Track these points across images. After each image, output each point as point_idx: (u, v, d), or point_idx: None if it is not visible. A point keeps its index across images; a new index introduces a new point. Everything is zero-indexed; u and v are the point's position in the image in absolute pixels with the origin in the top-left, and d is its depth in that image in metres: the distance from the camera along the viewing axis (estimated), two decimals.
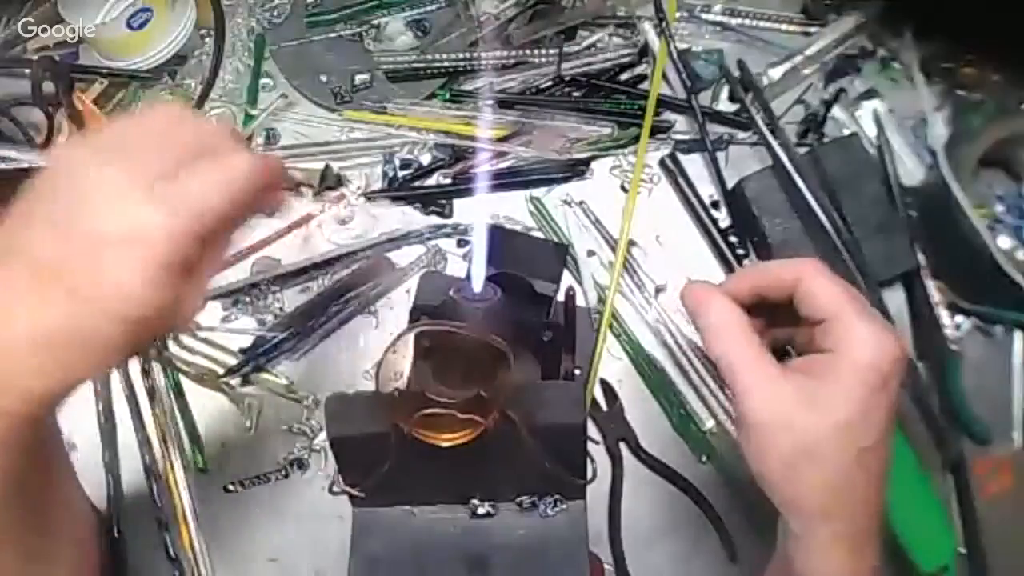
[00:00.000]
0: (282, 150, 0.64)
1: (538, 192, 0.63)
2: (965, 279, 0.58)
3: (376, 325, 0.60)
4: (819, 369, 0.34)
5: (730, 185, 0.61)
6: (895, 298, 0.59)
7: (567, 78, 0.65)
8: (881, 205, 0.58)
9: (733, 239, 0.61)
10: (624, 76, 0.66)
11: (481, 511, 0.41)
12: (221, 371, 0.58)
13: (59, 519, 0.39)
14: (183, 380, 0.58)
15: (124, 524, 0.54)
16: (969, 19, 0.62)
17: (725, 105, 0.65)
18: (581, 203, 0.62)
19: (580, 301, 0.57)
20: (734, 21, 0.67)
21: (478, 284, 0.37)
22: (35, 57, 0.65)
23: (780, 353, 0.37)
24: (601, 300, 0.59)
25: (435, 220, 0.62)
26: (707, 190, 0.62)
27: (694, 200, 0.61)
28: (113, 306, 0.29)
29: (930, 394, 0.56)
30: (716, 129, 0.63)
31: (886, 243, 0.57)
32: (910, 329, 0.59)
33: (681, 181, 0.62)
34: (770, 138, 0.60)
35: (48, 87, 0.63)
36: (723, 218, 0.62)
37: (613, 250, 0.60)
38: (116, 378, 0.57)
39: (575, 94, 0.65)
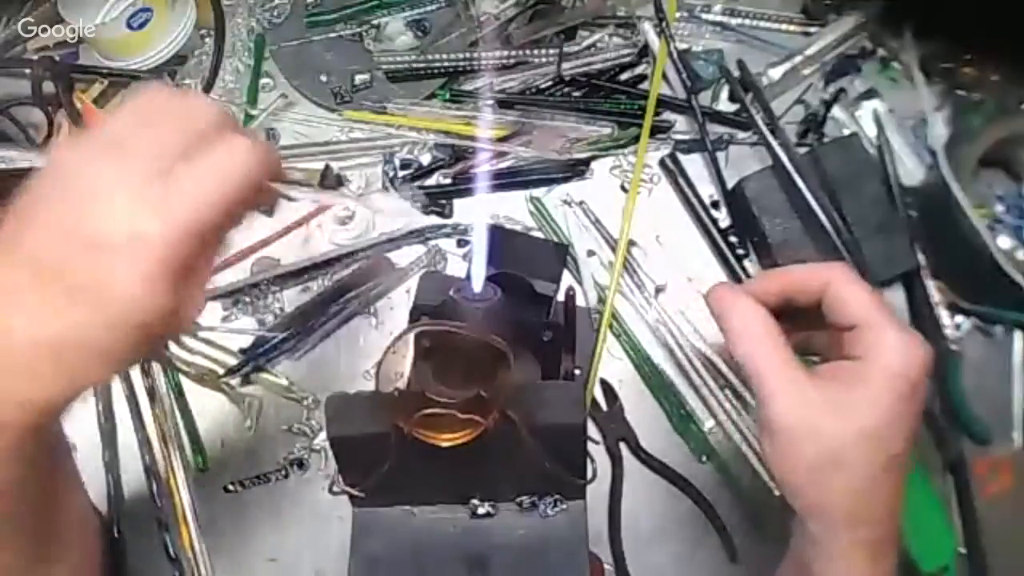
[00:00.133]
0: (282, 150, 0.64)
1: (538, 192, 0.63)
2: (965, 279, 0.58)
3: (376, 325, 0.60)
4: (847, 375, 0.34)
5: (730, 185, 0.61)
6: (895, 298, 0.59)
7: (567, 78, 0.65)
8: (881, 205, 0.58)
9: (733, 239, 0.61)
10: (624, 76, 0.66)
11: (481, 511, 0.41)
12: (221, 371, 0.58)
13: (63, 524, 0.39)
14: (183, 380, 0.58)
15: (124, 524, 0.54)
16: (969, 19, 0.62)
17: (725, 105, 0.65)
18: (581, 203, 0.62)
19: (580, 301, 0.57)
20: (734, 21, 0.67)
21: (478, 284, 0.37)
22: (35, 57, 0.65)
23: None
24: (601, 300, 0.59)
25: (435, 220, 0.62)
26: (707, 190, 0.62)
27: (694, 200, 0.61)
28: (114, 311, 0.28)
29: (930, 394, 0.56)
30: (716, 129, 0.63)
31: (886, 243, 0.57)
32: None
33: (681, 181, 0.62)
34: (770, 138, 0.60)
35: (48, 87, 0.63)
36: (723, 218, 0.62)
37: (613, 250, 0.60)
38: (116, 378, 0.57)
39: (575, 94, 0.65)
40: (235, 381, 0.58)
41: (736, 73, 0.64)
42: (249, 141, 0.31)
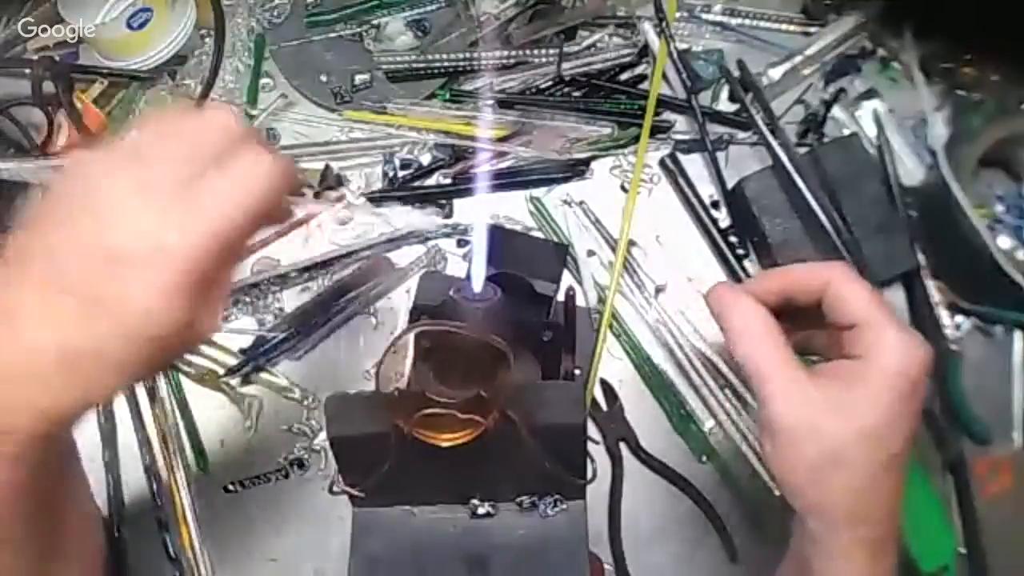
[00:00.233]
0: (282, 150, 0.64)
1: (538, 192, 0.63)
2: (965, 279, 0.58)
3: (376, 325, 0.60)
4: (847, 374, 0.34)
5: (730, 185, 0.61)
6: (895, 298, 0.59)
7: (567, 78, 0.65)
8: (881, 205, 0.58)
9: (733, 239, 0.61)
10: (624, 76, 0.66)
11: (481, 511, 0.41)
12: (221, 371, 0.58)
13: (68, 528, 0.39)
14: (183, 380, 0.58)
15: (124, 524, 0.54)
16: (969, 19, 0.62)
17: (725, 105, 0.65)
18: (581, 203, 0.62)
19: (580, 301, 0.57)
20: (734, 21, 0.67)
21: (478, 284, 0.37)
22: (35, 57, 0.65)
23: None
24: (601, 300, 0.59)
25: (435, 220, 0.62)
26: (707, 190, 0.62)
27: (694, 200, 0.61)
28: (131, 324, 0.28)
29: (930, 394, 0.56)
30: (716, 129, 0.63)
31: (886, 243, 0.57)
32: None
33: (681, 181, 0.62)
34: (770, 138, 0.60)
35: (48, 87, 0.63)
36: (723, 218, 0.62)
37: (613, 250, 0.60)
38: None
39: (575, 94, 0.65)
40: (235, 381, 0.58)
41: (736, 73, 0.64)
42: (272, 156, 0.31)
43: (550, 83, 0.65)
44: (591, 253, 0.61)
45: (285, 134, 0.65)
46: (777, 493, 0.53)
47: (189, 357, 0.58)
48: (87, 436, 0.56)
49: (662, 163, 0.63)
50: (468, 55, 0.64)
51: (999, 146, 0.59)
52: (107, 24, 0.63)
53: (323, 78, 0.66)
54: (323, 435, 0.56)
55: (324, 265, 0.61)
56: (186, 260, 0.28)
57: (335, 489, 0.40)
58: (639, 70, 0.66)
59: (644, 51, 0.66)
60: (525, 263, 0.49)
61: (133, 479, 0.55)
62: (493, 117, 0.63)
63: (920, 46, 0.64)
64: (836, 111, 0.64)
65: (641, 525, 0.54)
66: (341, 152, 0.64)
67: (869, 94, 0.65)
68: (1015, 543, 0.52)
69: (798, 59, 0.65)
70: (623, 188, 0.63)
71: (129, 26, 0.64)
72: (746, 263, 0.60)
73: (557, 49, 0.65)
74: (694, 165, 0.63)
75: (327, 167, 0.62)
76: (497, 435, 0.35)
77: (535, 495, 0.41)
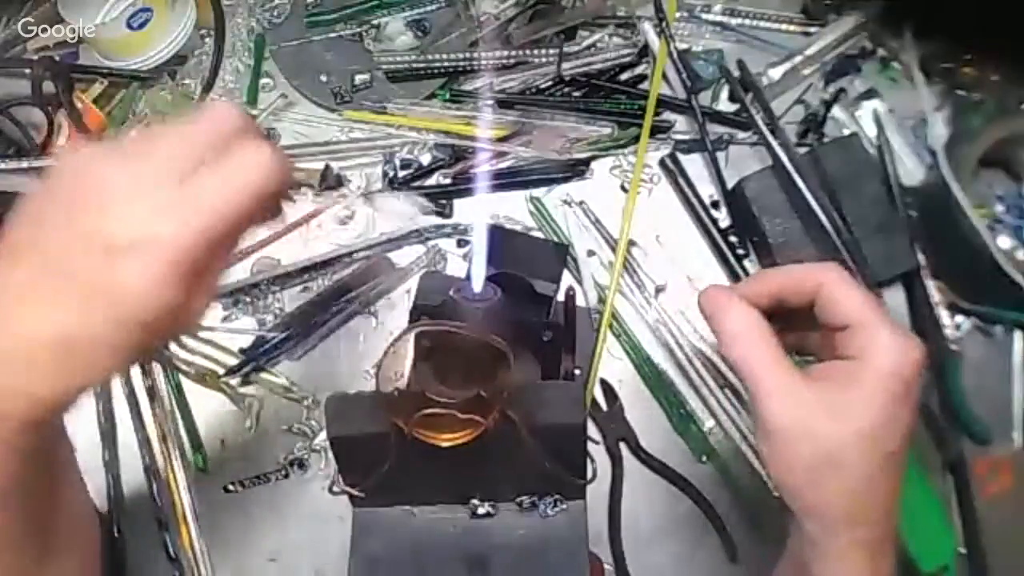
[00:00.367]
0: (282, 150, 0.64)
1: (538, 192, 0.63)
2: (965, 279, 0.58)
3: (376, 325, 0.60)
4: (841, 376, 0.34)
5: (730, 185, 0.61)
6: (895, 298, 0.59)
7: (567, 78, 0.65)
8: (881, 205, 0.58)
9: (733, 239, 0.61)
10: (624, 76, 0.66)
11: (481, 511, 0.41)
12: (221, 371, 0.58)
13: (64, 523, 0.39)
14: (183, 380, 0.58)
15: (124, 524, 0.54)
16: (969, 19, 0.62)
17: (725, 105, 0.65)
18: (581, 203, 0.62)
19: (580, 301, 0.57)
20: (734, 21, 0.67)
21: (478, 284, 0.37)
22: (35, 57, 0.66)
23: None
24: (601, 300, 0.59)
25: (435, 220, 0.62)
26: (707, 190, 0.62)
27: (694, 200, 0.61)
28: (122, 310, 0.28)
29: (930, 394, 0.56)
30: (716, 129, 0.63)
31: (886, 243, 0.57)
32: (910, 329, 0.59)
33: (681, 181, 0.62)
34: (770, 138, 0.60)
35: (48, 87, 0.63)
36: (723, 218, 0.62)
37: (613, 250, 0.60)
38: (116, 378, 0.57)
39: (575, 94, 0.65)
40: (235, 381, 0.58)
41: (736, 73, 0.64)
42: (269, 148, 0.31)
43: (550, 83, 0.65)
44: (591, 253, 0.61)
45: (285, 134, 0.65)
46: (776, 494, 0.53)
47: (189, 357, 0.58)
48: (87, 436, 0.56)
49: (662, 163, 0.63)
50: (468, 55, 0.64)
51: (999, 146, 0.59)
52: (107, 24, 0.63)
53: (323, 78, 0.66)
54: (323, 435, 0.56)
55: (324, 265, 0.61)
56: (179, 249, 0.28)
57: (335, 489, 0.40)
58: (639, 70, 0.66)
59: (644, 51, 0.65)
60: (525, 263, 0.49)
61: (133, 479, 0.55)
62: (493, 117, 0.63)
63: (920, 46, 0.64)
64: (836, 111, 0.64)
65: (641, 525, 0.54)
66: (341, 152, 0.64)
67: (869, 94, 0.65)
68: (1015, 543, 0.52)
69: (798, 59, 0.65)
70: (623, 188, 0.63)
71: (129, 26, 0.64)
72: (746, 263, 0.60)
73: (557, 49, 0.65)
74: (694, 165, 0.63)
75: (327, 167, 0.62)
76: (497, 435, 0.35)
77: (535, 495, 0.41)
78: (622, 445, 0.56)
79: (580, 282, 0.59)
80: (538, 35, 0.66)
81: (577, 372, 0.53)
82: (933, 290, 0.58)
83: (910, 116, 0.64)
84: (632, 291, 0.59)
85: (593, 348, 0.57)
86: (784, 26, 0.67)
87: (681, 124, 0.64)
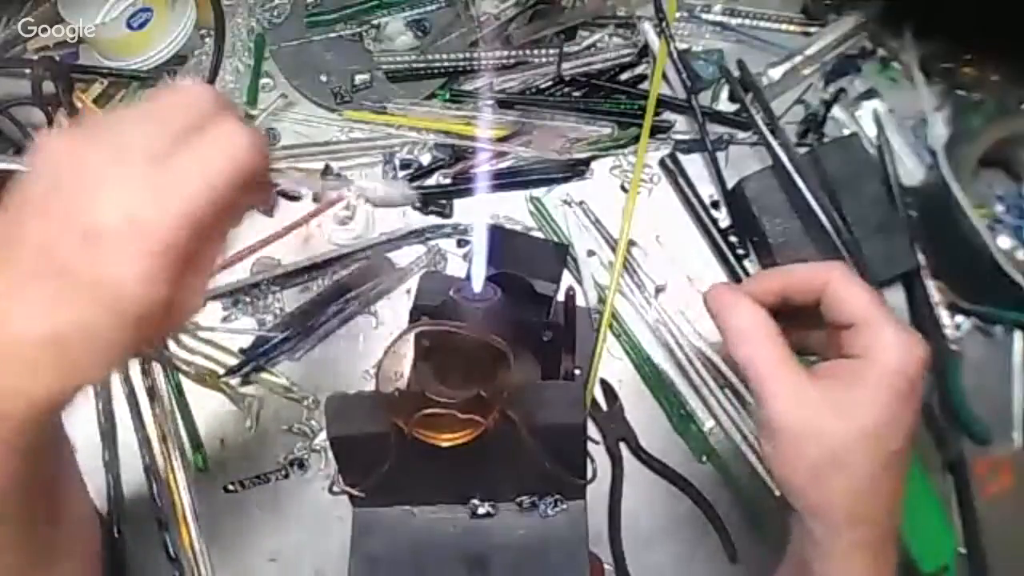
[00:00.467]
0: (282, 150, 0.64)
1: (538, 192, 0.63)
2: (965, 279, 0.58)
3: (376, 325, 0.60)
4: (846, 374, 0.34)
5: (730, 185, 0.61)
6: (895, 298, 0.59)
7: (567, 78, 0.65)
8: (881, 205, 0.58)
9: (733, 239, 0.61)
10: (624, 76, 0.66)
11: (481, 511, 0.41)
12: (221, 371, 0.58)
13: (64, 523, 0.39)
14: (183, 380, 0.58)
15: (124, 524, 0.54)
16: (969, 19, 0.62)
17: (725, 105, 0.65)
18: (581, 203, 0.62)
19: (580, 301, 0.57)
20: (734, 21, 0.67)
21: (478, 284, 0.37)
22: (35, 57, 0.65)
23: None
24: (601, 300, 0.59)
25: (435, 220, 0.62)
26: (707, 190, 0.62)
27: (694, 200, 0.61)
28: (112, 303, 0.28)
29: (930, 394, 0.56)
30: (716, 129, 0.63)
31: (886, 243, 0.57)
32: None
33: (681, 181, 0.62)
34: (770, 138, 0.60)
35: (48, 87, 0.63)
36: (723, 218, 0.62)
37: (613, 250, 0.60)
38: (116, 378, 0.57)
39: (575, 94, 0.65)
40: (235, 381, 0.58)
41: (736, 73, 0.64)
42: (240, 124, 0.30)
43: (550, 83, 0.65)
44: (591, 253, 0.61)
45: (285, 134, 0.65)
46: (777, 494, 0.53)
47: (189, 357, 0.58)
48: (87, 436, 0.56)
49: (662, 163, 0.63)
50: (468, 55, 0.64)
51: (999, 146, 0.59)
52: (107, 24, 0.63)
53: (323, 78, 0.66)
54: (323, 435, 0.56)
55: (324, 265, 0.61)
56: (163, 232, 0.27)
57: (335, 489, 0.40)
58: (639, 70, 0.66)
59: (644, 51, 0.65)
60: (525, 263, 0.49)
61: (133, 479, 0.55)
62: (493, 117, 0.63)
63: (920, 46, 0.64)
64: (836, 111, 0.64)
65: (641, 525, 0.54)
66: (341, 152, 0.64)
67: (869, 94, 0.65)
68: (1015, 543, 0.52)
69: (798, 59, 0.65)
70: (623, 188, 0.63)
71: (129, 26, 0.64)
72: (746, 263, 0.60)
73: (557, 49, 0.65)
74: (694, 165, 0.63)
75: (327, 167, 0.62)
76: (497, 435, 0.35)
77: (535, 495, 0.41)
78: (622, 445, 0.56)
79: (580, 282, 0.59)
80: (538, 35, 0.66)
81: (577, 372, 0.53)
82: (933, 290, 0.58)
83: (910, 116, 0.64)
84: (632, 291, 0.59)
85: (593, 348, 0.57)
86: (784, 26, 0.67)
87: (681, 124, 0.64)
